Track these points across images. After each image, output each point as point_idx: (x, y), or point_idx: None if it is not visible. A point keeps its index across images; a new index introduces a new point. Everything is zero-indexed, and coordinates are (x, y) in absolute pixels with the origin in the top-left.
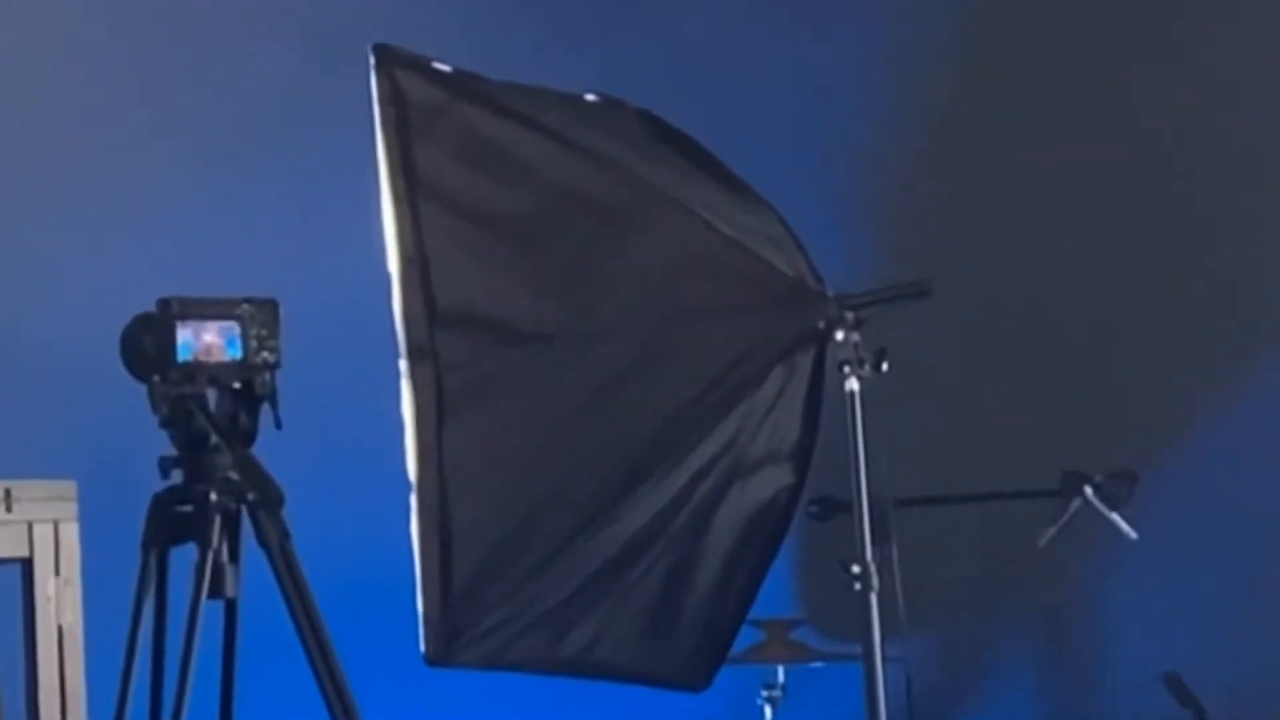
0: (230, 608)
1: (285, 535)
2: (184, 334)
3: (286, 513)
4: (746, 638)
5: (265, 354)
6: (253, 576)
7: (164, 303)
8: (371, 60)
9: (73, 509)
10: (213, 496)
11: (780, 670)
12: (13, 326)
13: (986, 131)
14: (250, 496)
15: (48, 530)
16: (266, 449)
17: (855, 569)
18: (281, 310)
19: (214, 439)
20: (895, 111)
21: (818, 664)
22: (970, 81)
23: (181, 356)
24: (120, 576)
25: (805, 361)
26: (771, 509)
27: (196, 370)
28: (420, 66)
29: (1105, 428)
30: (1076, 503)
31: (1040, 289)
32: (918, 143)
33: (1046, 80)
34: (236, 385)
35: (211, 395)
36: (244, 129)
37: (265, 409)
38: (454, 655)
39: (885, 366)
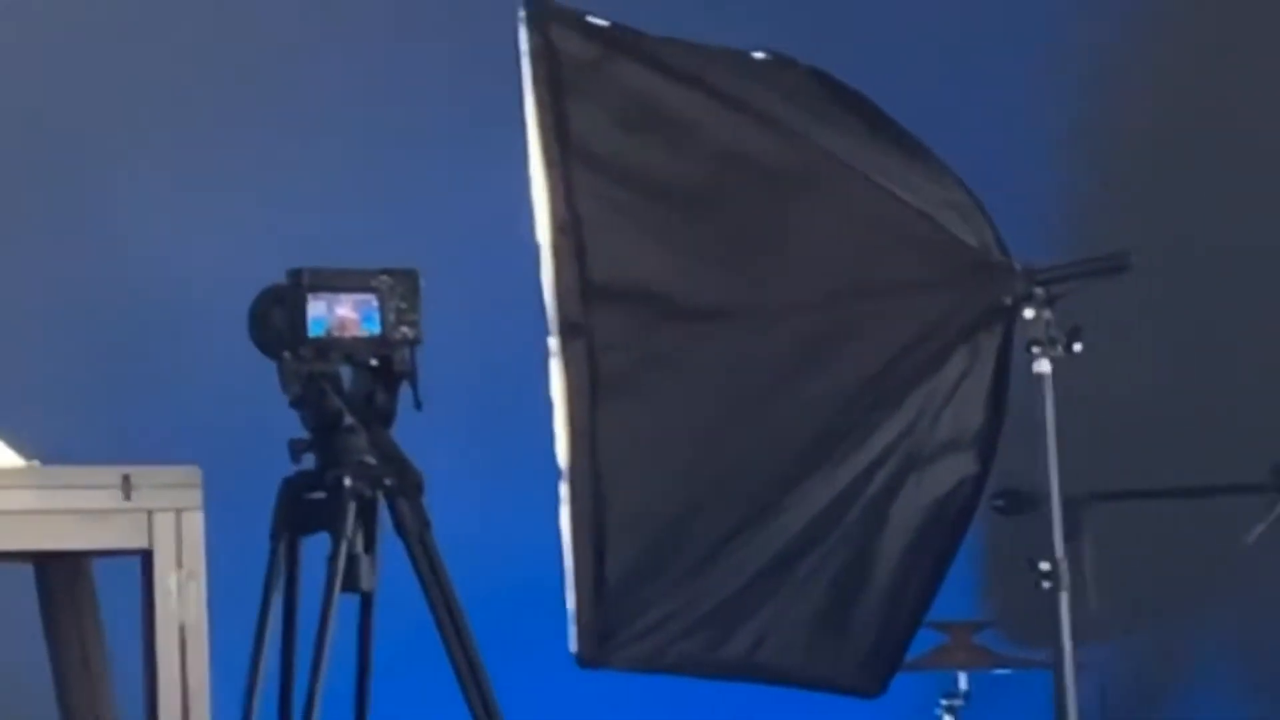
0: (366, 602)
1: (425, 524)
2: (317, 307)
3: (427, 500)
4: (925, 641)
5: (404, 329)
6: (391, 569)
7: (295, 274)
8: (521, 13)
9: (196, 496)
10: (347, 482)
11: (962, 677)
12: (133, 300)
13: (1190, 98)
14: (388, 482)
15: (169, 520)
16: (405, 431)
17: (1045, 567)
18: (422, 282)
19: (349, 420)
20: (1088, 75)
21: (1003, 670)
22: (1172, 44)
23: (314, 331)
24: (248, 569)
25: (991, 341)
26: (953, 501)
27: (330, 346)
28: (574, 20)
29: None
30: None
31: (1252, 267)
32: (1115, 106)
33: (1256, 43)
34: (373, 362)
35: (346, 373)
36: (381, 90)
37: (404, 388)
38: (607, 656)
39: (1078, 347)
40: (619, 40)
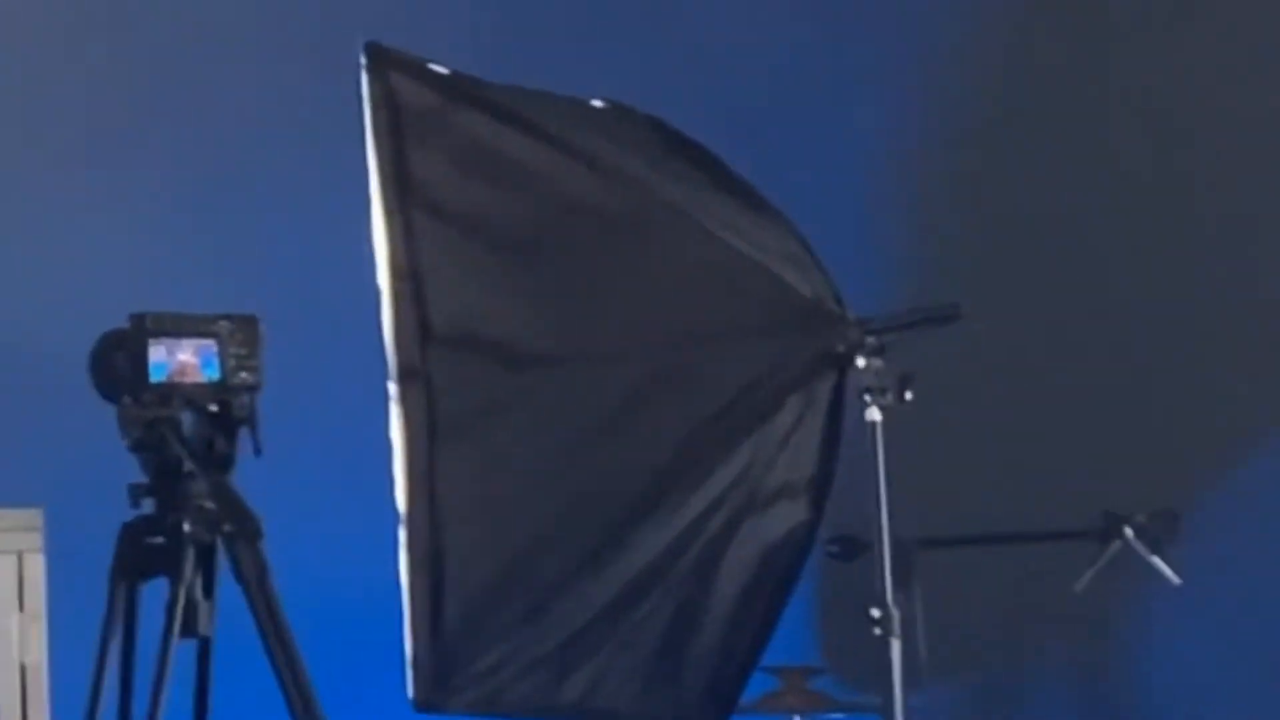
0: (204, 647)
1: (264, 569)
2: (158, 352)
3: (265, 545)
4: (760, 685)
5: (244, 374)
6: (228, 613)
7: (137, 318)
8: (363, 61)
9: (38, 539)
10: (186, 527)
11: None
12: None
13: (1020, 148)
14: (227, 527)
15: (11, 562)
16: (245, 477)
17: (875, 613)
18: (262, 327)
19: (188, 465)
20: (921, 125)
21: (836, 715)
22: (1001, 96)
23: (155, 376)
24: (88, 612)
25: (824, 388)
26: (786, 547)
27: (171, 391)
28: (415, 68)
29: (1147, 465)
30: (1116, 545)
31: (1078, 317)
32: (945, 159)
33: (1083, 97)
34: (213, 408)
35: (187, 418)
36: (225, 135)
37: (244, 433)
38: (445, 699)
39: (909, 395)
40: (459, 88)
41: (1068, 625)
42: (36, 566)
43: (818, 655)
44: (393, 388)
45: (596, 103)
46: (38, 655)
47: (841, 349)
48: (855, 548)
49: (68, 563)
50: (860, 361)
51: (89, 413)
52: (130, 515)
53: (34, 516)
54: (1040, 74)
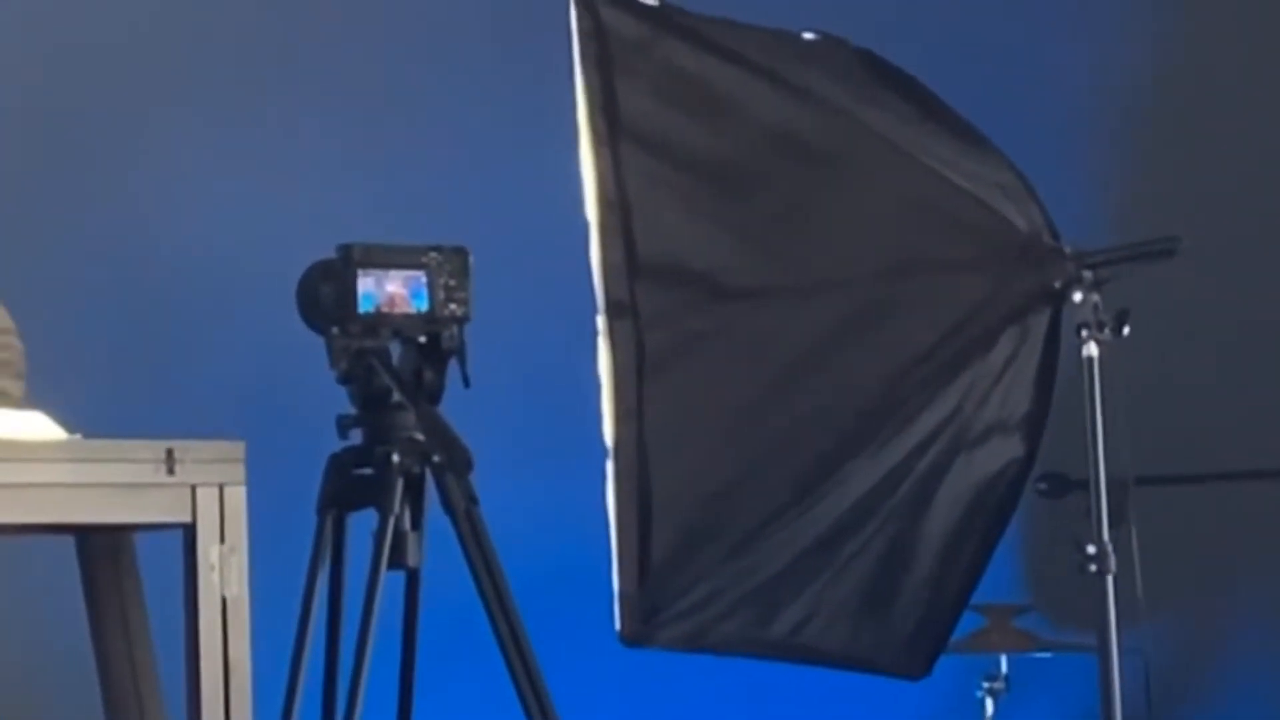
0: (412, 578)
1: (472, 501)
2: (366, 283)
3: (474, 477)
4: (968, 624)
5: (454, 306)
6: (437, 545)
7: (345, 249)
8: None
9: (240, 471)
10: (395, 458)
11: (1004, 660)
12: (179, 274)
13: (1234, 77)
14: (435, 459)
15: (212, 494)
16: (453, 408)
17: (1090, 550)
18: (472, 259)
19: (397, 396)
20: (1133, 59)
21: (1045, 654)
22: (1209, 26)
23: (363, 307)
24: (293, 544)
25: (1039, 324)
26: (998, 484)
27: (379, 322)
28: (624, 0)
29: None
30: None
31: None
32: (1169, 91)
33: None
34: (422, 339)
35: (395, 349)
36: (434, 66)
37: (453, 365)
38: (652, 635)
39: (1126, 331)
40: (668, 20)
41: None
42: (238, 499)
43: (1025, 593)
44: (601, 321)
45: (807, 35)
46: (239, 588)
47: (1058, 284)
48: (1064, 485)
49: (270, 495)
50: (1077, 296)
51: (295, 344)
52: (334, 447)
53: (236, 448)
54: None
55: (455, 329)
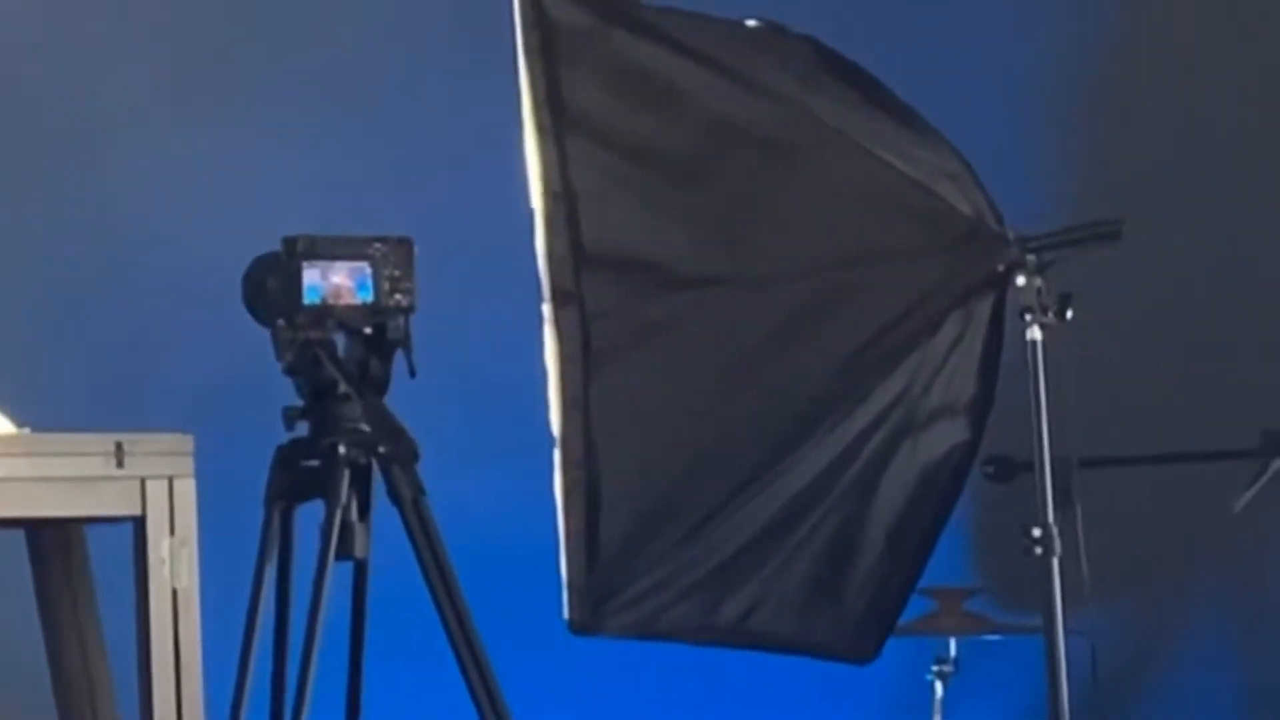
0: (360, 569)
1: (419, 491)
2: (311, 275)
3: (420, 468)
4: (916, 607)
5: (398, 296)
6: (383, 536)
7: (290, 241)
8: None
9: (189, 464)
10: (341, 449)
11: (953, 643)
12: (126, 267)
13: (1177, 59)
14: (381, 450)
15: (162, 487)
16: (399, 399)
17: (1036, 533)
18: (416, 250)
19: (343, 388)
20: (1085, 42)
21: (994, 636)
22: (1152, 7)
23: (308, 299)
24: (241, 536)
25: (984, 308)
26: (944, 468)
27: (324, 314)
28: None
29: None
30: (1276, 464)
31: (1240, 231)
32: (1112, 74)
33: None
34: (367, 330)
35: (340, 341)
36: (376, 56)
37: (398, 356)
38: (601, 623)
39: (1069, 315)
40: (612, 9)
41: (1226, 544)
42: (187, 491)
43: (974, 577)
44: (546, 310)
45: (751, 22)
46: (189, 580)
47: (1001, 268)
48: (1011, 468)
49: (219, 487)
50: (1020, 280)
51: (242, 336)
52: (284, 439)
53: (185, 441)
54: None
55: (400, 320)
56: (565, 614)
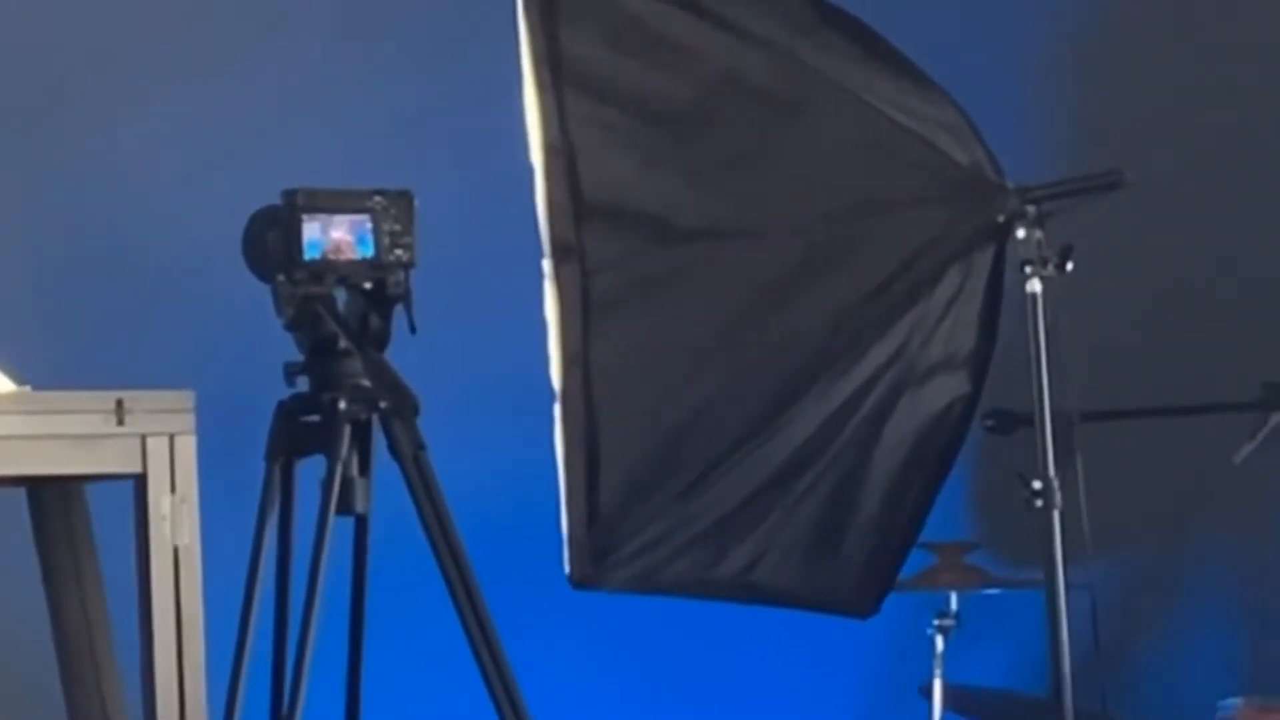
0: (361, 524)
1: (420, 446)
2: (311, 229)
3: (421, 423)
4: (916, 561)
5: (399, 251)
6: (384, 490)
7: (289, 195)
8: None
9: (189, 420)
10: (342, 405)
11: (953, 597)
12: (126, 224)
13: (1187, 14)
14: (382, 405)
15: (162, 444)
16: (399, 354)
17: (1036, 486)
18: (417, 204)
19: (343, 343)
20: None
21: (994, 590)
22: None
23: (308, 254)
24: (241, 492)
25: (984, 260)
26: (945, 421)
27: (325, 268)
28: None
29: None
30: (1277, 417)
31: (1242, 183)
32: (1112, 24)
33: None
34: (368, 285)
35: (340, 296)
36: (374, 12)
37: (398, 311)
38: (602, 577)
39: (1070, 266)
40: None
41: (1227, 497)
42: (188, 448)
43: (975, 530)
44: (546, 264)
45: None
46: (190, 538)
47: (1001, 219)
48: (1012, 422)
49: (219, 444)
50: (1020, 232)
51: (242, 292)
52: (285, 394)
53: (185, 398)
54: None
55: (401, 274)
56: (566, 568)
